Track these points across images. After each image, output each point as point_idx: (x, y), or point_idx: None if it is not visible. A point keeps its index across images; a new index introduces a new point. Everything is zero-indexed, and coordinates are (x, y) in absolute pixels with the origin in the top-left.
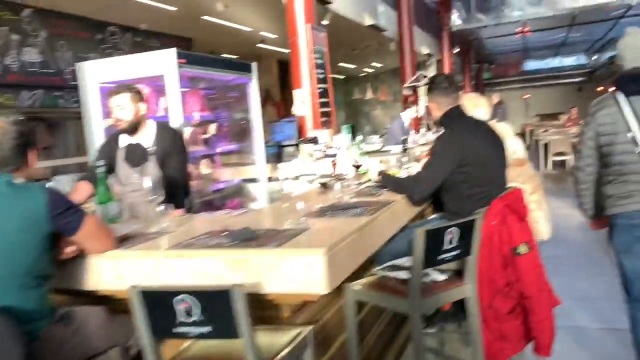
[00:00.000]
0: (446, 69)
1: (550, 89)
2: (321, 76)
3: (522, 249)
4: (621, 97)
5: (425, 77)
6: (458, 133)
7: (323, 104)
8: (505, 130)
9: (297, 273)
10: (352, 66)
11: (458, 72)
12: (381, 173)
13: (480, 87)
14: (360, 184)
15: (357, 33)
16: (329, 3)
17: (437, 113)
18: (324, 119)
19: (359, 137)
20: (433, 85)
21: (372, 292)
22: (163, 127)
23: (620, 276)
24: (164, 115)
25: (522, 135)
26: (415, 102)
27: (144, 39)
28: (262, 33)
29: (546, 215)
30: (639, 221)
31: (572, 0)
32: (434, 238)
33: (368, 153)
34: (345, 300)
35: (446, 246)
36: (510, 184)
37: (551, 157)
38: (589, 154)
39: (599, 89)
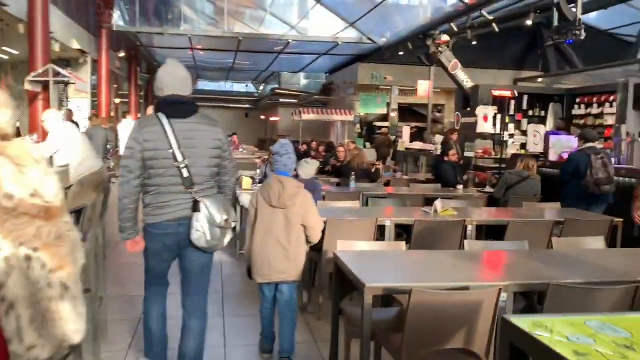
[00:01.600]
0: (103, 71)
1: (221, 111)
2: None
3: None
4: (164, 119)
5: (58, 73)
6: None
7: None
8: (35, 157)
9: None
10: None
11: (124, 78)
12: None
13: (150, 98)
14: None
15: None
16: None
17: None
18: None
19: None
20: None
21: None
22: None
23: (145, 273)
24: None
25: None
26: (46, 101)
27: None
28: None
29: (77, 305)
30: (169, 231)
31: (240, 26)
32: None
33: None
34: None
35: None
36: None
37: None
38: (136, 167)
39: (262, 116)
